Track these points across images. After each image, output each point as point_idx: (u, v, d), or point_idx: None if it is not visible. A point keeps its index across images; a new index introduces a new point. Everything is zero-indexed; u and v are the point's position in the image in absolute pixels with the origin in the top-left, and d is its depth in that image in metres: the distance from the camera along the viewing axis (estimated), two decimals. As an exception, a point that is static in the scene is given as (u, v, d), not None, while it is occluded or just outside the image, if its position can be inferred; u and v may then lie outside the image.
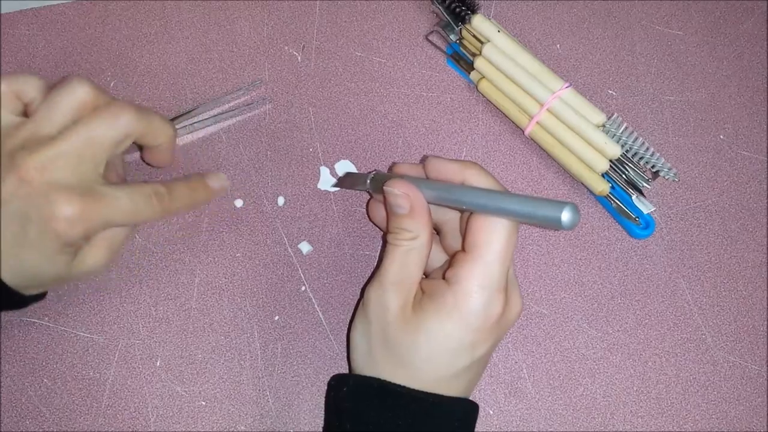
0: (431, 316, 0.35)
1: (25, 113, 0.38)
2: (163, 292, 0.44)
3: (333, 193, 0.47)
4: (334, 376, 0.40)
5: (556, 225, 0.31)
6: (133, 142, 0.39)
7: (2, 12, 0.49)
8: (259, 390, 0.43)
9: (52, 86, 0.38)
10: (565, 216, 0.31)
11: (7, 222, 0.35)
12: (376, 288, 0.37)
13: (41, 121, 0.36)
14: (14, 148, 0.35)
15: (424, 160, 0.40)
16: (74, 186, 0.35)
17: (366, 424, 0.36)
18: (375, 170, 0.42)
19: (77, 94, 0.36)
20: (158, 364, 0.43)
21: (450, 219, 0.40)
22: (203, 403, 0.42)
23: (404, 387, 0.36)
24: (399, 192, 0.37)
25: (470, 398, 0.39)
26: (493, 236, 0.35)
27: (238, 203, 0.46)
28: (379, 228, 0.45)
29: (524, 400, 0.44)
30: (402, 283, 0.37)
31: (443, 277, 0.37)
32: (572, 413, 0.44)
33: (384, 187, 0.38)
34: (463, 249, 0.36)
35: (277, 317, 0.44)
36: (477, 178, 0.37)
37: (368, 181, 0.42)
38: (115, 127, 0.36)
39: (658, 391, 0.45)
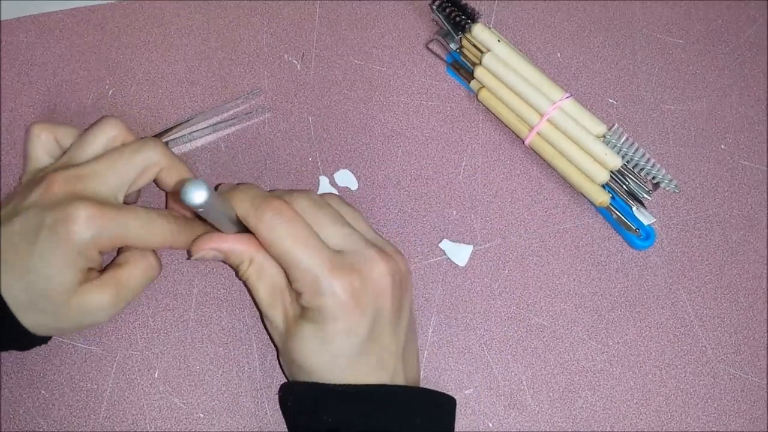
0: (299, 329, 0.37)
1: None
2: (161, 303, 0.44)
3: (332, 203, 0.46)
4: (283, 384, 0.41)
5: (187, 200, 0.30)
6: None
7: (1, 19, 0.49)
8: (258, 402, 0.42)
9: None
10: (191, 195, 0.30)
11: (23, 230, 0.35)
12: (265, 318, 0.39)
13: (74, 153, 0.39)
14: (45, 174, 0.37)
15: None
16: (93, 197, 0.36)
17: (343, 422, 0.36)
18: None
19: (108, 129, 0.39)
20: (156, 375, 0.42)
21: None
22: (201, 415, 0.42)
23: (364, 384, 0.36)
24: (201, 253, 0.38)
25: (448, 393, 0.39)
26: (275, 245, 0.36)
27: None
28: None
29: (524, 412, 0.44)
30: (274, 300, 0.38)
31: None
32: (572, 426, 0.44)
33: (193, 258, 0.38)
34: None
35: (275, 328, 0.44)
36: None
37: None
38: (140, 153, 0.38)
39: (659, 403, 0.44)
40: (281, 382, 0.43)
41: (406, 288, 0.38)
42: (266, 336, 0.43)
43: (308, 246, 0.36)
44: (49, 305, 0.36)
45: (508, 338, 0.45)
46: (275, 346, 0.41)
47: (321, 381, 0.37)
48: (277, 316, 0.38)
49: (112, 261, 0.39)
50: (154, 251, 0.40)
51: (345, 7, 0.51)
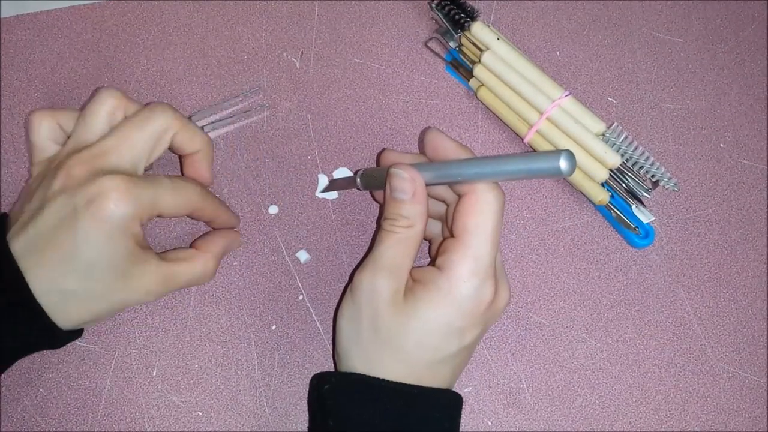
0: (424, 302, 0.36)
1: None
2: (159, 301, 0.44)
3: (331, 201, 0.46)
4: (315, 375, 0.40)
5: (557, 173, 0.32)
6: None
7: (1, 17, 0.48)
8: (256, 400, 0.42)
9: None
10: (563, 164, 0.31)
11: (57, 219, 0.35)
12: (369, 274, 0.37)
13: (80, 133, 0.38)
14: (61, 160, 0.37)
15: (423, 133, 0.40)
16: (117, 171, 0.36)
17: (348, 419, 0.36)
18: (360, 169, 0.42)
19: (106, 102, 0.38)
20: (155, 373, 0.42)
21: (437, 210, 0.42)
22: (200, 413, 0.42)
23: (386, 381, 0.36)
24: (406, 175, 0.37)
25: (455, 391, 0.39)
26: (480, 218, 0.36)
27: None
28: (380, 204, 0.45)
29: (523, 410, 0.44)
30: (395, 269, 0.37)
31: (434, 265, 0.37)
32: (571, 424, 0.44)
33: (391, 169, 0.38)
34: (452, 235, 0.37)
35: (274, 326, 0.44)
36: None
37: (358, 179, 0.42)
38: (151, 122, 0.38)
39: (657, 401, 0.44)
40: (279, 381, 0.43)
41: None
42: (265, 334, 0.43)
43: (496, 244, 0.36)
44: (97, 290, 0.36)
45: (507, 336, 0.45)
46: (341, 308, 0.39)
47: (404, 360, 0.36)
48: (386, 282, 0.37)
49: (176, 249, 0.40)
50: (217, 258, 0.40)
51: (344, 5, 0.51)
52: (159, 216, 0.38)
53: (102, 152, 0.36)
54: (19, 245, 0.35)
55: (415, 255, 0.38)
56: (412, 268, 0.38)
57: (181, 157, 0.42)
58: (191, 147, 0.40)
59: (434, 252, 0.42)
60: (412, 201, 0.37)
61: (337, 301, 0.44)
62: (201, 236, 0.43)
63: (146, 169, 0.39)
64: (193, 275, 0.39)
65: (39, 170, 0.39)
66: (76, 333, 0.39)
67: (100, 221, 0.34)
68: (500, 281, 0.38)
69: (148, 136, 0.38)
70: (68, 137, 0.39)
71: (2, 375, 0.41)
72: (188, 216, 0.40)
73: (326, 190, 0.46)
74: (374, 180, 0.41)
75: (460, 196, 0.37)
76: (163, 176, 0.38)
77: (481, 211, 0.36)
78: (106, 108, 0.38)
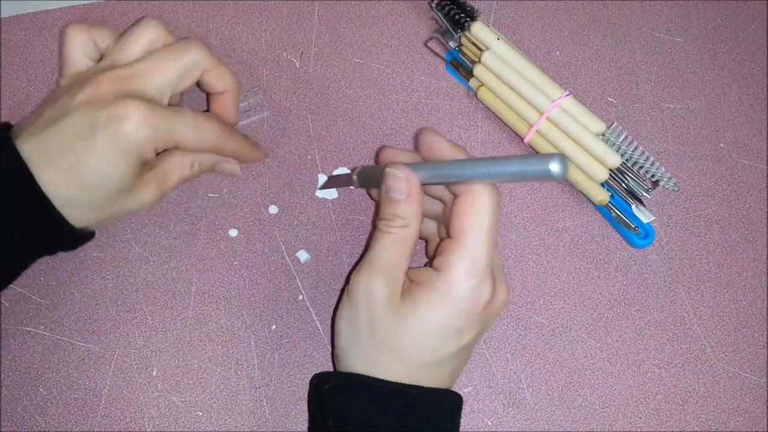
0: (421, 303, 0.36)
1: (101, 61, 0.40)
2: (159, 301, 0.44)
3: (331, 200, 0.46)
4: (315, 375, 0.40)
5: (548, 176, 0.32)
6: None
7: (1, 16, 0.48)
8: (256, 400, 0.42)
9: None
10: (555, 167, 0.32)
11: (76, 129, 0.36)
12: (365, 275, 0.37)
13: (116, 55, 0.39)
14: (91, 75, 0.38)
15: (418, 133, 0.41)
16: (142, 97, 0.37)
17: (348, 419, 0.36)
18: (357, 166, 0.43)
19: (149, 31, 0.39)
20: (154, 373, 0.42)
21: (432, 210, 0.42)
22: (200, 413, 0.42)
23: (386, 381, 0.36)
24: (402, 175, 0.37)
25: (455, 391, 0.39)
26: (476, 219, 0.36)
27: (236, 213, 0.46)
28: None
29: (523, 410, 0.44)
30: (391, 270, 0.37)
31: (431, 265, 0.37)
32: (571, 424, 0.44)
33: (386, 168, 0.38)
34: (449, 235, 0.37)
35: (274, 326, 0.44)
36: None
37: (355, 176, 0.42)
38: (184, 54, 0.39)
39: (657, 401, 0.44)
40: (279, 380, 0.43)
41: None
42: (265, 333, 0.43)
43: (493, 244, 0.36)
44: (100, 200, 0.37)
45: (507, 336, 0.45)
46: (339, 310, 0.39)
47: (403, 360, 0.36)
48: (382, 283, 0.37)
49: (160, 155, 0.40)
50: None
51: (344, 5, 0.51)
52: (177, 147, 0.39)
53: (132, 74, 0.37)
54: (29, 146, 0.36)
55: (410, 255, 0.38)
56: (409, 269, 0.38)
57: (208, 95, 0.43)
58: (220, 86, 0.41)
59: (431, 252, 0.42)
60: (407, 201, 0.37)
61: (336, 301, 0.44)
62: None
63: (172, 99, 0.40)
64: (183, 173, 0.40)
65: (67, 82, 0.39)
66: (88, 234, 0.41)
67: (117, 141, 0.36)
68: (498, 281, 0.38)
69: (180, 66, 0.38)
70: (101, 55, 0.40)
71: (3, 374, 0.41)
72: (210, 152, 0.41)
73: (324, 187, 0.46)
74: (370, 178, 0.41)
75: (455, 196, 0.37)
76: (188, 110, 0.39)
77: (477, 212, 0.36)
78: (147, 38, 0.39)
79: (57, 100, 0.38)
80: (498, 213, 0.36)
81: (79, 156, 0.36)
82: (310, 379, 0.40)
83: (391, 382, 0.36)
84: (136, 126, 0.36)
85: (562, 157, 0.32)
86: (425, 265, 0.39)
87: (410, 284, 0.37)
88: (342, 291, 0.43)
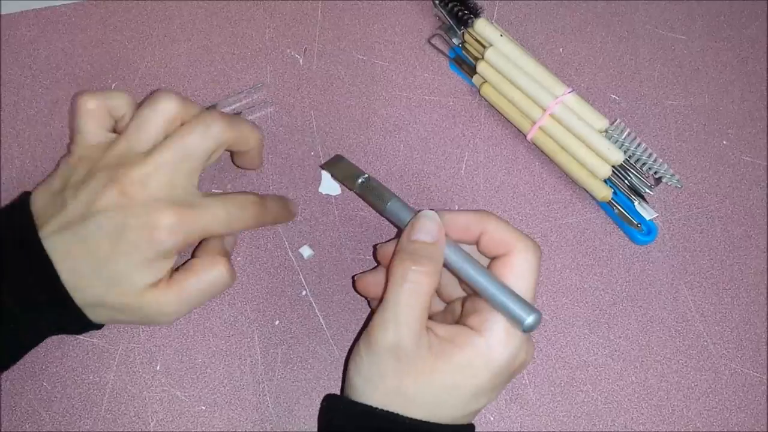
0: (459, 367, 0.35)
1: (115, 129, 0.40)
2: (163, 296, 0.44)
3: (335, 196, 0.46)
4: (326, 396, 0.39)
5: (519, 321, 0.34)
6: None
7: (3, 13, 0.49)
8: (259, 395, 0.42)
9: (141, 102, 0.39)
10: (529, 320, 0.34)
11: (104, 232, 0.35)
12: (392, 327, 0.35)
13: (133, 138, 0.37)
14: (111, 164, 0.37)
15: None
16: (172, 198, 0.36)
17: None
18: (368, 175, 0.42)
19: (165, 109, 0.38)
20: (158, 368, 0.43)
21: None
22: (203, 407, 0.42)
23: (403, 416, 0.35)
24: (436, 217, 0.37)
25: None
26: (519, 281, 0.36)
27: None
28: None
29: (525, 406, 0.44)
30: (415, 322, 0.35)
31: (459, 322, 0.37)
32: (573, 420, 0.44)
33: (421, 212, 0.38)
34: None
35: (277, 322, 0.44)
36: (496, 227, 0.37)
37: (359, 182, 0.42)
38: (207, 138, 0.38)
39: (660, 398, 0.44)
40: (282, 376, 0.43)
41: None
42: (268, 329, 0.43)
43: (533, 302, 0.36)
44: (117, 301, 0.37)
45: (509, 332, 0.45)
46: (359, 349, 0.37)
47: (430, 413, 0.35)
48: (409, 339, 0.35)
49: (184, 263, 0.39)
50: (227, 259, 0.39)
51: (347, 2, 0.51)
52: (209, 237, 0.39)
53: (157, 170, 0.36)
54: (53, 241, 0.36)
55: (429, 306, 0.36)
56: (432, 322, 0.37)
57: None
58: (245, 148, 0.41)
59: (383, 259, 0.40)
60: (435, 244, 0.37)
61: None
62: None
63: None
64: (208, 284, 0.39)
65: (81, 154, 0.38)
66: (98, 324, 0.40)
67: (145, 245, 0.36)
68: (528, 337, 0.37)
69: (203, 153, 0.38)
70: (116, 122, 0.39)
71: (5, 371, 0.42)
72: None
73: (324, 167, 0.46)
74: (372, 193, 0.41)
75: (491, 258, 0.37)
76: (218, 202, 0.38)
77: (521, 275, 0.36)
78: (163, 116, 0.38)
79: (76, 185, 0.37)
80: (540, 271, 0.36)
81: (102, 255, 0.35)
82: (328, 384, 0.41)
83: (409, 418, 0.35)
84: (164, 236, 0.35)
85: (539, 317, 0.34)
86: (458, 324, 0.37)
87: (441, 341, 0.35)
88: (359, 332, 0.43)
